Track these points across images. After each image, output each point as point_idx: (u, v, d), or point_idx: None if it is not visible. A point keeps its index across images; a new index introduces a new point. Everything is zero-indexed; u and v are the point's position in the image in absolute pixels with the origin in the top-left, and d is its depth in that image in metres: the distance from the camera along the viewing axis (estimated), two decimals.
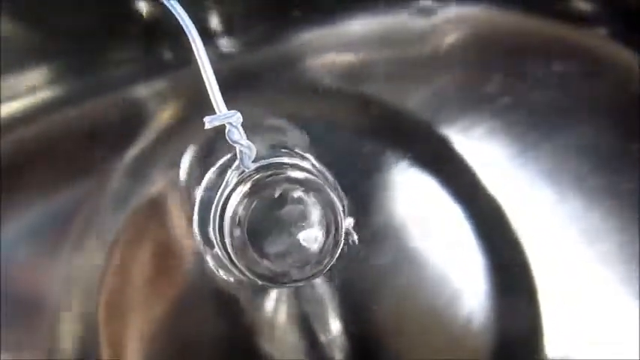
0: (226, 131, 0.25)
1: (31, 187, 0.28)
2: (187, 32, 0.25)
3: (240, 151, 0.25)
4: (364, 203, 0.30)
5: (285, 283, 0.25)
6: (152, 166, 0.29)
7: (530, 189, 0.31)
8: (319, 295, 0.30)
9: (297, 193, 0.24)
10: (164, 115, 0.29)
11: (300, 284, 0.26)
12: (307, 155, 0.28)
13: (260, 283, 0.25)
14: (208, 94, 0.25)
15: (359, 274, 0.30)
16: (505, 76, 0.31)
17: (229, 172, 0.26)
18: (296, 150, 0.28)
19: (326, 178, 0.27)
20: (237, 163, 0.26)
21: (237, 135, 0.25)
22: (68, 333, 0.28)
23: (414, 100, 0.30)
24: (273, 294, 0.29)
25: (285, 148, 0.28)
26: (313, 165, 0.28)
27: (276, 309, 0.30)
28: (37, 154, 0.28)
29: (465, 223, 0.30)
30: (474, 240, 0.30)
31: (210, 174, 0.28)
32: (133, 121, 0.29)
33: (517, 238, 0.30)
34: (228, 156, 0.28)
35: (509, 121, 0.31)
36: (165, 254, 0.29)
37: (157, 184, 0.29)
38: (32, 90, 0.29)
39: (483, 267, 0.30)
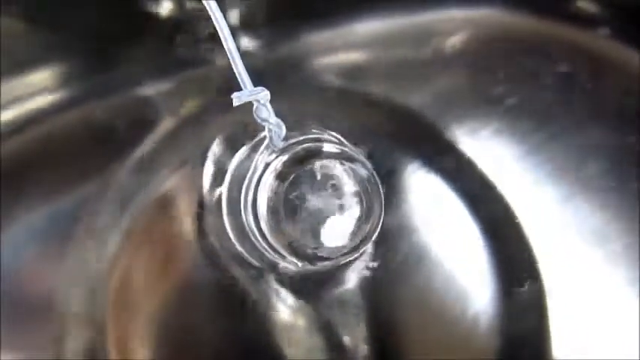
0: (254, 109, 0.24)
1: (36, 189, 0.28)
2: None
3: (270, 130, 0.24)
4: None
5: (322, 261, 0.23)
6: (159, 166, 0.28)
7: (537, 189, 0.31)
8: (330, 295, 0.29)
9: (334, 168, 0.23)
10: (171, 116, 0.29)
11: (340, 261, 0.24)
12: (335, 134, 0.27)
13: (299, 263, 0.24)
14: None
15: (368, 275, 0.29)
16: (511, 77, 0.31)
17: (259, 152, 0.25)
18: (324, 129, 0.27)
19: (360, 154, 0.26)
20: (266, 142, 0.24)
21: (265, 112, 0.24)
22: (75, 333, 0.27)
23: (421, 101, 0.30)
24: (284, 291, 0.29)
25: (314, 128, 0.27)
26: (343, 142, 0.27)
27: (286, 308, 0.29)
28: (42, 156, 0.28)
29: (472, 224, 0.30)
30: (481, 240, 0.30)
31: (239, 156, 0.27)
32: (139, 121, 0.28)
33: (524, 239, 0.30)
34: (258, 137, 0.27)
35: (515, 121, 0.31)
36: (173, 254, 0.28)
37: (163, 185, 0.28)
38: (36, 92, 0.28)
39: (490, 267, 0.30)
